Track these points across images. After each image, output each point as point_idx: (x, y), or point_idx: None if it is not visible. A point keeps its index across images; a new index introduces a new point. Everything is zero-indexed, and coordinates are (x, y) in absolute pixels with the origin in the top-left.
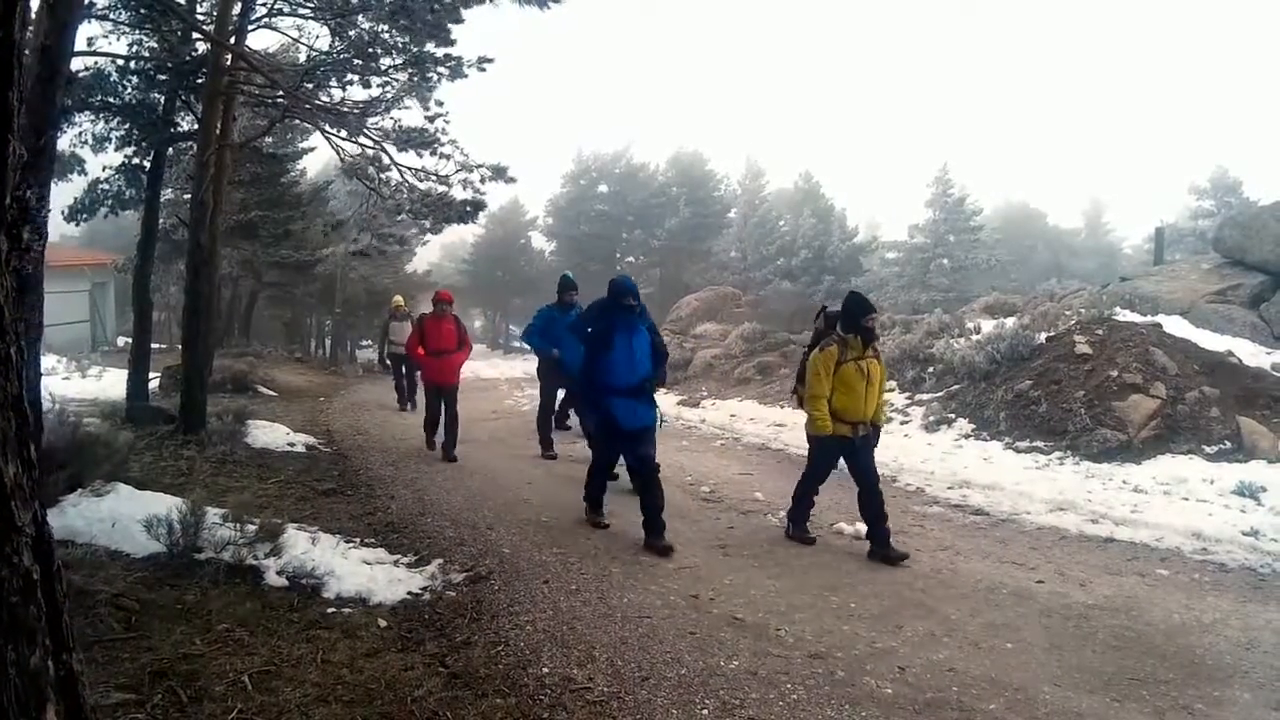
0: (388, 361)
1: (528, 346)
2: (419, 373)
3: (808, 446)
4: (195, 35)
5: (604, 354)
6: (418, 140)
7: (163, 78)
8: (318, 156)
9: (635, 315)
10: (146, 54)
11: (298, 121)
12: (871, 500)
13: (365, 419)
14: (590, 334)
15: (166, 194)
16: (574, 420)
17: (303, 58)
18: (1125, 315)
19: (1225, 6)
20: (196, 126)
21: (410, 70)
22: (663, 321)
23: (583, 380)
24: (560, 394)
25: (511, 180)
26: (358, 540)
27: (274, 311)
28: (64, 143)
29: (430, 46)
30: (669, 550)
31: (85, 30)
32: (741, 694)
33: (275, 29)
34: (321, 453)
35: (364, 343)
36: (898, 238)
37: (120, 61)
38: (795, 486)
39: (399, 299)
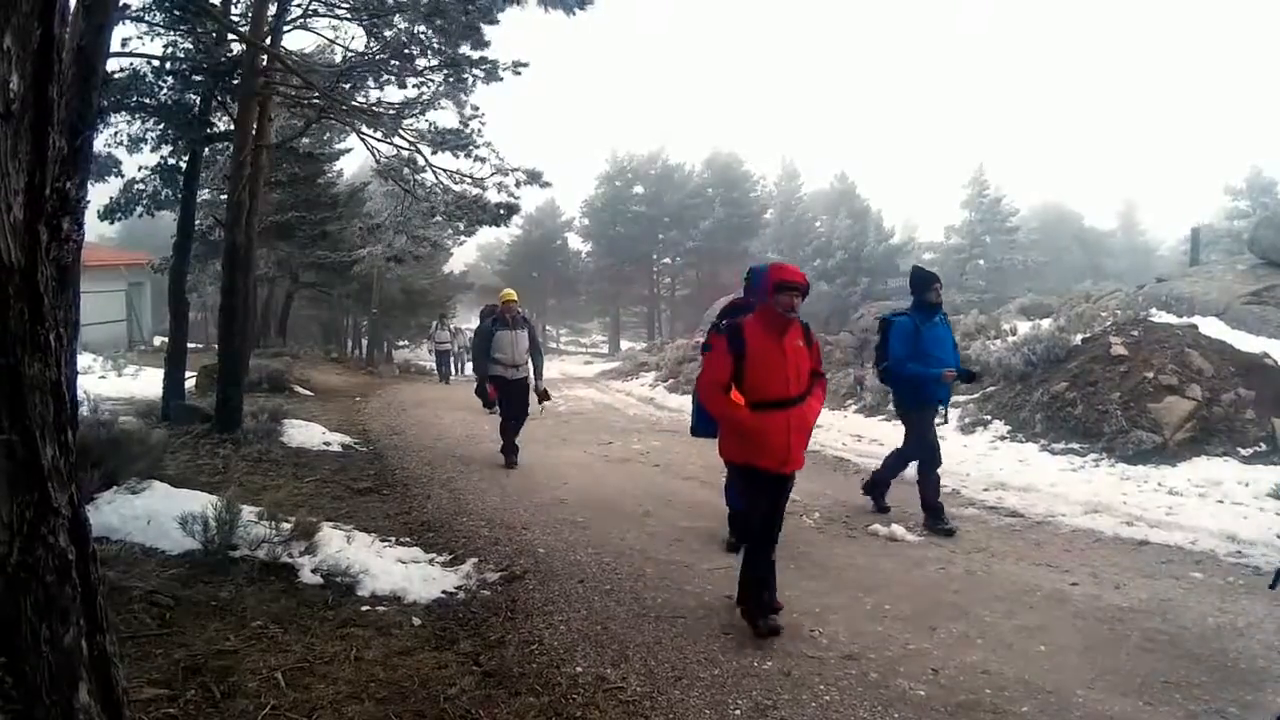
0: (488, 388)
1: (903, 378)
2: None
3: None
4: (230, 36)
5: None
6: (453, 142)
7: (198, 78)
8: (355, 157)
9: None
10: (182, 55)
11: (334, 122)
12: None
13: (402, 419)
14: None
15: (203, 194)
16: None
17: (338, 59)
18: (1161, 316)
19: (1262, 5)
20: (233, 127)
21: (446, 72)
22: (701, 325)
23: None
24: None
25: (546, 185)
26: (393, 539)
27: (310, 312)
28: (100, 144)
29: (465, 48)
30: None
31: (120, 31)
32: (775, 695)
33: (311, 30)
34: (357, 452)
35: (400, 343)
36: (934, 239)
37: (155, 62)
38: None
39: (511, 293)
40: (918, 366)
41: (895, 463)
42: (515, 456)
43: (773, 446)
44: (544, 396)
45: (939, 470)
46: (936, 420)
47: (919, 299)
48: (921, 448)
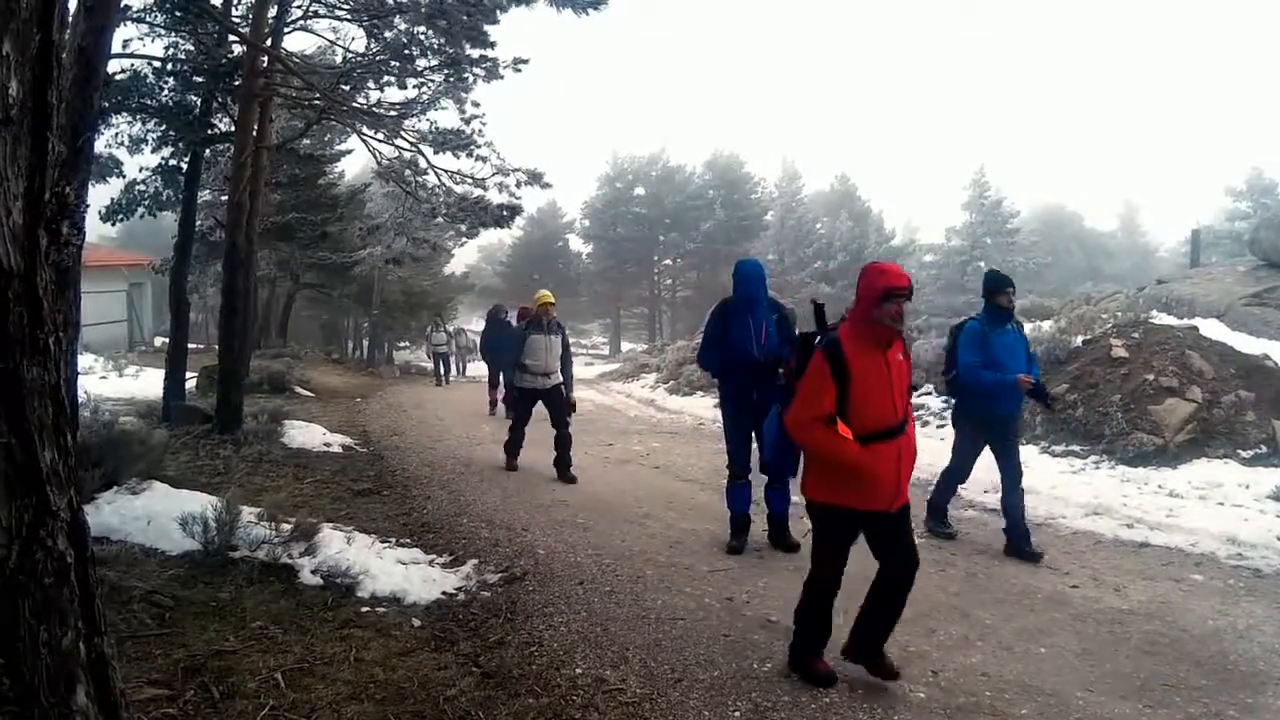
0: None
1: (972, 387)
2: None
3: None
4: (231, 38)
5: None
6: (454, 142)
7: (199, 80)
8: (356, 158)
9: None
10: (183, 56)
11: (335, 123)
12: None
13: (402, 420)
14: None
15: (204, 195)
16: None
17: (339, 60)
18: (1161, 318)
19: (1262, 6)
20: (233, 128)
21: (446, 72)
22: (700, 327)
23: None
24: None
25: (547, 185)
26: (393, 540)
27: (311, 312)
28: (101, 145)
29: (467, 48)
30: None
31: (121, 33)
32: (774, 697)
33: (311, 31)
34: (358, 453)
35: (401, 344)
36: (935, 240)
37: (157, 64)
38: None
39: (548, 295)
40: (992, 374)
41: (1009, 487)
42: (570, 470)
43: (884, 484)
44: (571, 408)
45: (961, 487)
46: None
47: (989, 303)
48: (959, 458)
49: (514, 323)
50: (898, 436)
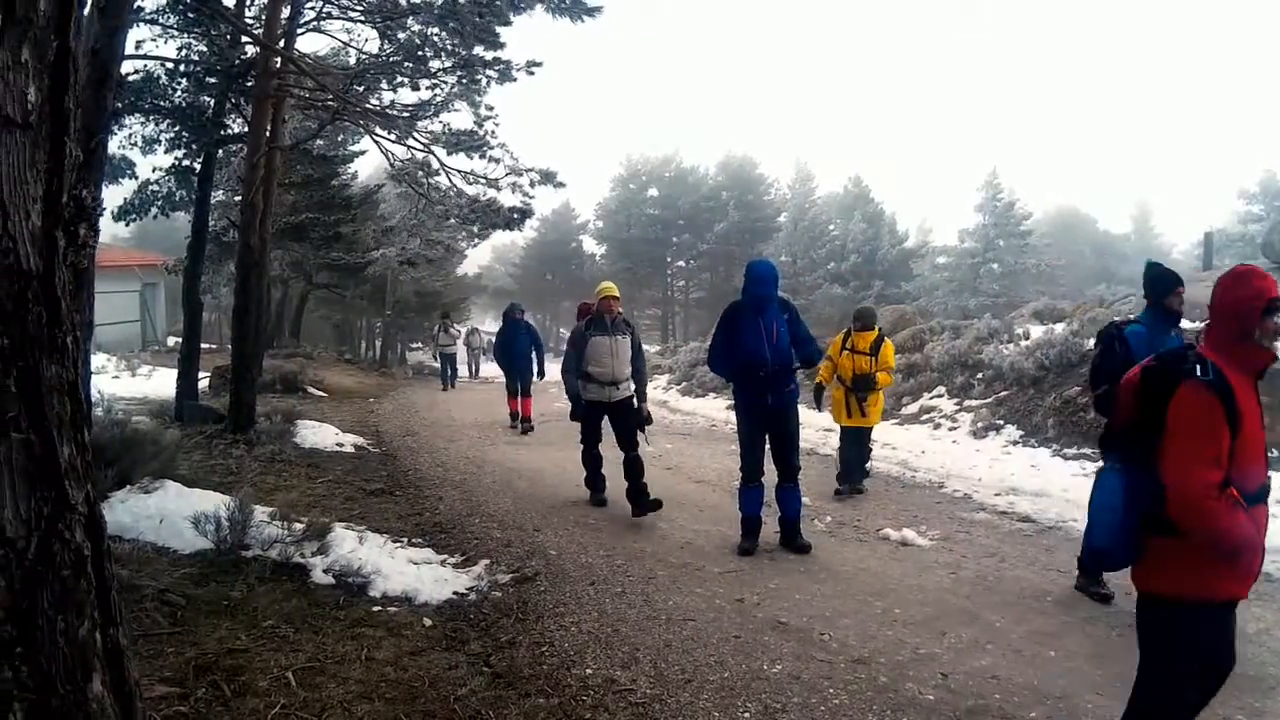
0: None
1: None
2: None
3: None
4: (244, 39)
5: None
6: (467, 143)
7: (212, 81)
8: (369, 159)
9: None
10: (196, 57)
11: (348, 124)
12: None
13: (414, 420)
14: None
15: (217, 195)
16: None
17: (352, 61)
18: None
19: (1273, 7)
20: (246, 129)
21: (459, 73)
22: (709, 329)
23: None
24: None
25: (560, 185)
26: (405, 540)
27: (324, 313)
28: (114, 145)
29: (479, 50)
30: None
31: (134, 34)
32: (784, 698)
33: (324, 32)
34: (370, 453)
35: (414, 345)
36: (948, 242)
37: (170, 65)
38: None
39: (611, 287)
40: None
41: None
42: (645, 502)
43: (1258, 563)
44: (646, 421)
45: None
46: None
47: (1158, 304)
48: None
49: (530, 322)
50: (1268, 497)
